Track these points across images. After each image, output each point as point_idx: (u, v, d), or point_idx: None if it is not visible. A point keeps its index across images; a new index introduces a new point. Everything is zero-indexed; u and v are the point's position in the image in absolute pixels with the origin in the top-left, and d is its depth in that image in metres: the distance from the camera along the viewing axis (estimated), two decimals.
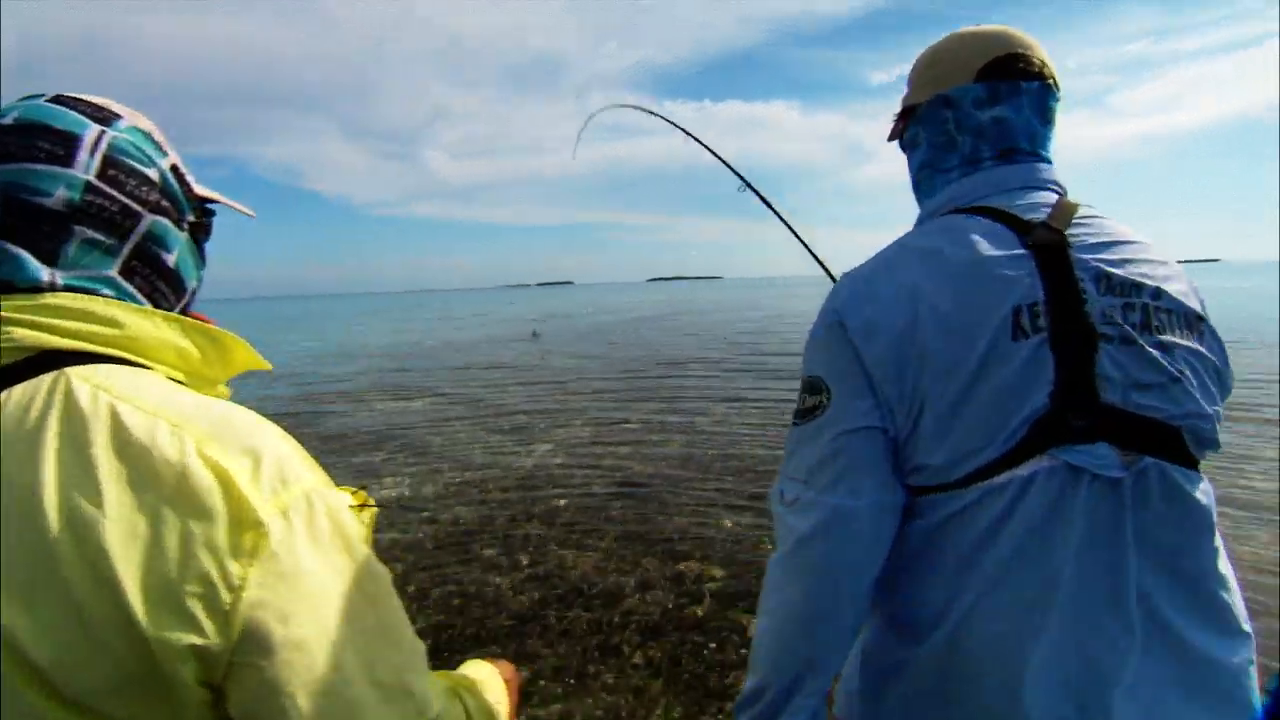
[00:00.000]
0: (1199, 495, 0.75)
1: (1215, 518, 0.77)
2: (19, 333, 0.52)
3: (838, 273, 1.26)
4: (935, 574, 0.77)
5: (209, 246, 0.73)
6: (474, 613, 3.44)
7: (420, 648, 0.61)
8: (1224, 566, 0.77)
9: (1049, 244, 0.77)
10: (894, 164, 1.25)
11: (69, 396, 0.51)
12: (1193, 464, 0.75)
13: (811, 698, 0.78)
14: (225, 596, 0.47)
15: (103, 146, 0.60)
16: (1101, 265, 0.77)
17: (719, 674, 2.86)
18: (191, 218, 0.69)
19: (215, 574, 0.47)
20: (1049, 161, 0.90)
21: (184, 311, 0.68)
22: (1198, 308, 0.81)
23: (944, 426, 0.74)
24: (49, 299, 0.54)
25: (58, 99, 0.60)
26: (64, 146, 0.58)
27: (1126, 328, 0.74)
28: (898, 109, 1.02)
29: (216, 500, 0.49)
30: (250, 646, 0.48)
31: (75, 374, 0.52)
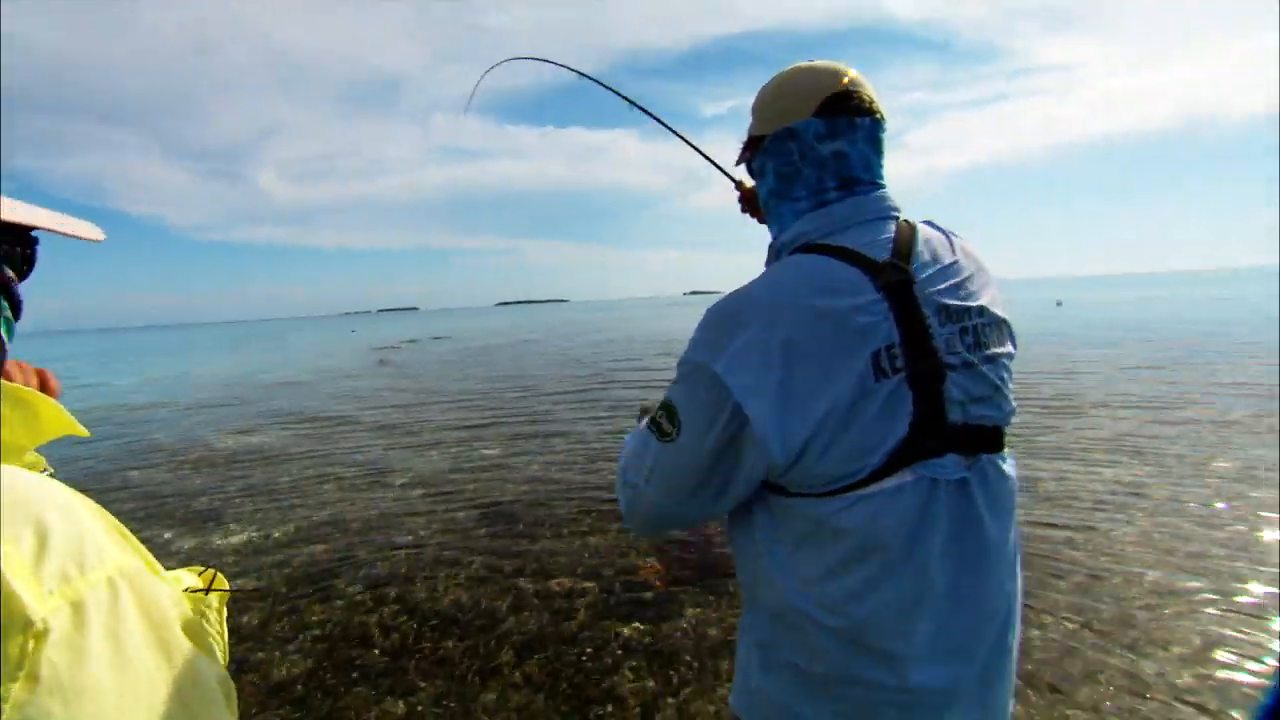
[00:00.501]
0: (1010, 470, 0.94)
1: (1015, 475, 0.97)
2: None
3: (728, 169, 1.36)
4: (822, 568, 0.87)
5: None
6: (343, 654, 3.33)
7: None
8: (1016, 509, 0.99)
9: (898, 284, 0.87)
10: (725, 192, 1.39)
11: None
12: (1004, 445, 0.94)
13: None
14: None
15: None
16: (940, 298, 0.89)
17: (597, 682, 2.99)
18: None
19: None
20: (884, 185, 1.00)
21: None
22: (1003, 311, 0.97)
23: (822, 457, 0.83)
24: None
25: None
26: None
27: (965, 353, 0.88)
28: (743, 137, 1.08)
29: None
30: None
31: None
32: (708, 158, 1.52)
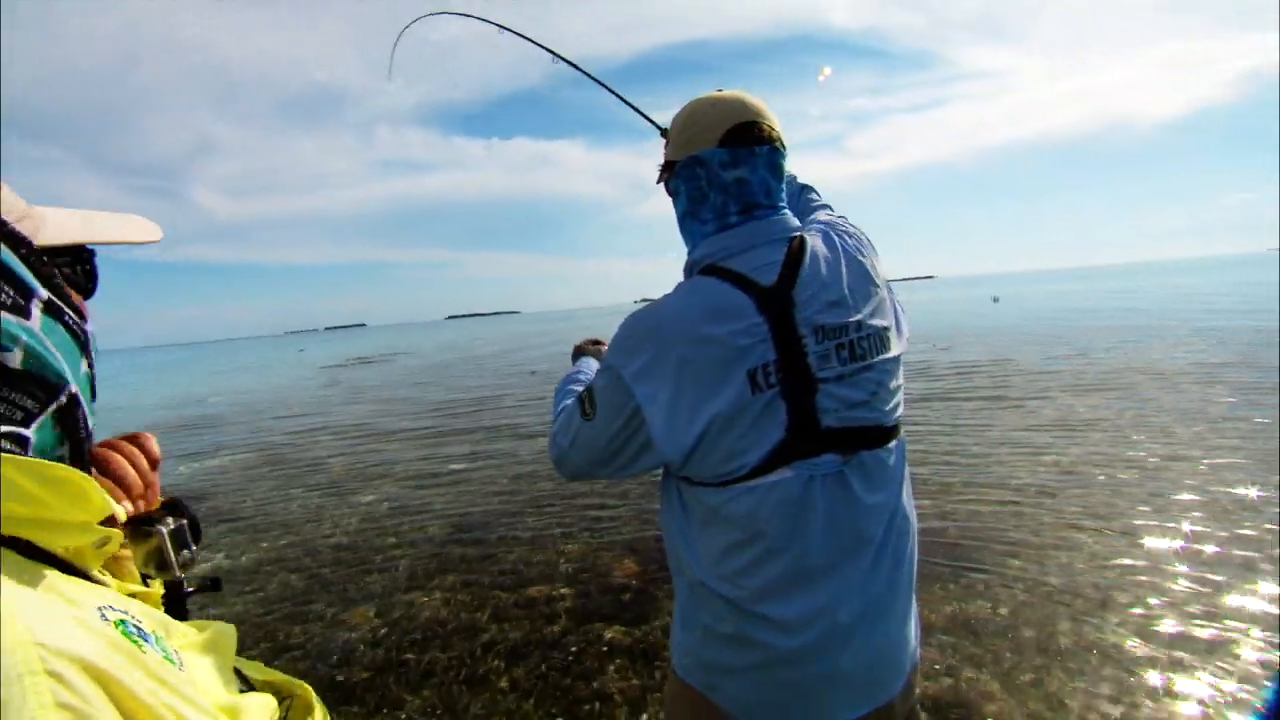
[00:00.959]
0: (892, 459, 1.07)
1: (903, 460, 1.11)
2: None
3: (660, 120, 1.45)
4: (719, 548, 1.03)
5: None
6: (324, 673, 3.33)
7: None
8: (906, 490, 1.12)
9: (778, 308, 1.00)
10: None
11: None
12: (891, 437, 1.07)
13: None
14: None
15: None
16: (817, 317, 1.01)
17: (586, 682, 3.07)
18: (45, 292, 0.51)
19: None
20: (782, 207, 1.12)
21: (62, 417, 0.53)
22: (885, 320, 1.09)
23: (707, 456, 0.99)
24: None
25: None
26: None
27: (839, 367, 1.01)
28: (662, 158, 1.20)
29: None
30: None
31: None
32: (638, 109, 1.66)
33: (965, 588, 3.67)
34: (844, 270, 1.07)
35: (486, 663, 3.30)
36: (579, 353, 1.52)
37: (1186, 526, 4.24)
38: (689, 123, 1.13)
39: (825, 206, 1.41)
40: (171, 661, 0.49)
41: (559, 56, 1.89)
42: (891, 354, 1.08)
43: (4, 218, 0.49)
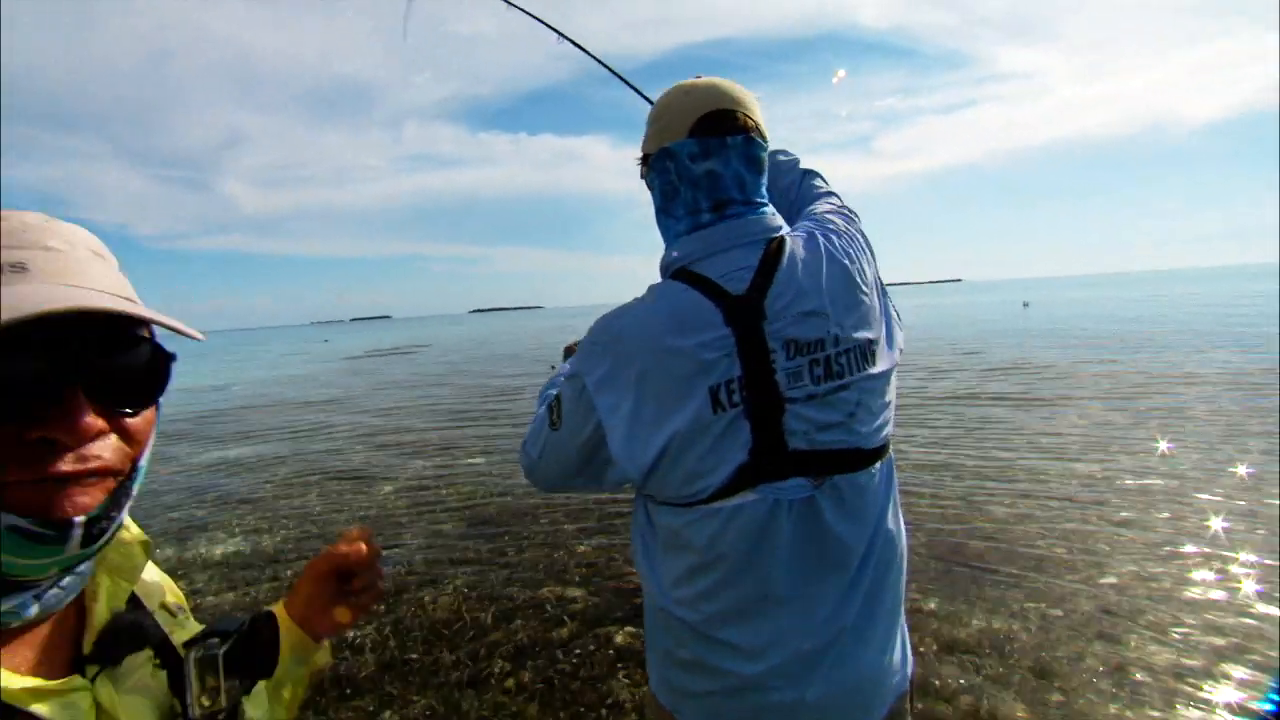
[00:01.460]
0: (874, 482, 0.98)
1: (889, 483, 1.01)
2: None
3: (654, 97, 1.42)
4: (679, 571, 0.98)
5: None
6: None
7: None
8: (892, 515, 1.02)
9: (747, 319, 0.92)
10: None
11: None
12: (873, 461, 0.97)
13: None
14: None
15: None
16: (789, 331, 0.92)
17: (593, 687, 3.00)
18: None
19: None
20: (761, 204, 1.03)
21: None
22: (869, 333, 0.98)
23: (667, 476, 0.93)
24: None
25: None
26: None
27: (811, 386, 0.92)
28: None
29: None
30: None
31: None
32: (638, 89, 1.57)
33: (993, 602, 3.53)
34: (825, 276, 0.97)
35: (493, 664, 3.24)
36: (568, 354, 1.41)
37: (1224, 540, 4.07)
38: (661, 112, 1.05)
39: (829, 195, 1.25)
40: None
41: (564, 36, 1.82)
42: (876, 370, 0.98)
43: None
